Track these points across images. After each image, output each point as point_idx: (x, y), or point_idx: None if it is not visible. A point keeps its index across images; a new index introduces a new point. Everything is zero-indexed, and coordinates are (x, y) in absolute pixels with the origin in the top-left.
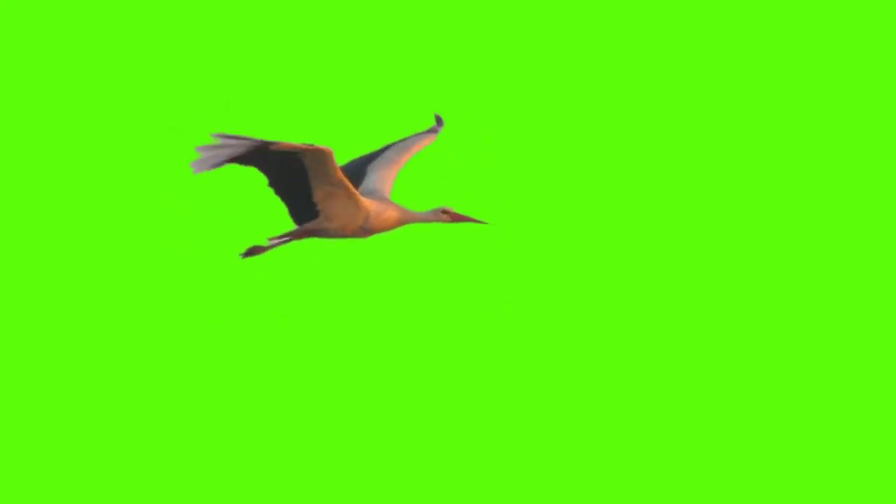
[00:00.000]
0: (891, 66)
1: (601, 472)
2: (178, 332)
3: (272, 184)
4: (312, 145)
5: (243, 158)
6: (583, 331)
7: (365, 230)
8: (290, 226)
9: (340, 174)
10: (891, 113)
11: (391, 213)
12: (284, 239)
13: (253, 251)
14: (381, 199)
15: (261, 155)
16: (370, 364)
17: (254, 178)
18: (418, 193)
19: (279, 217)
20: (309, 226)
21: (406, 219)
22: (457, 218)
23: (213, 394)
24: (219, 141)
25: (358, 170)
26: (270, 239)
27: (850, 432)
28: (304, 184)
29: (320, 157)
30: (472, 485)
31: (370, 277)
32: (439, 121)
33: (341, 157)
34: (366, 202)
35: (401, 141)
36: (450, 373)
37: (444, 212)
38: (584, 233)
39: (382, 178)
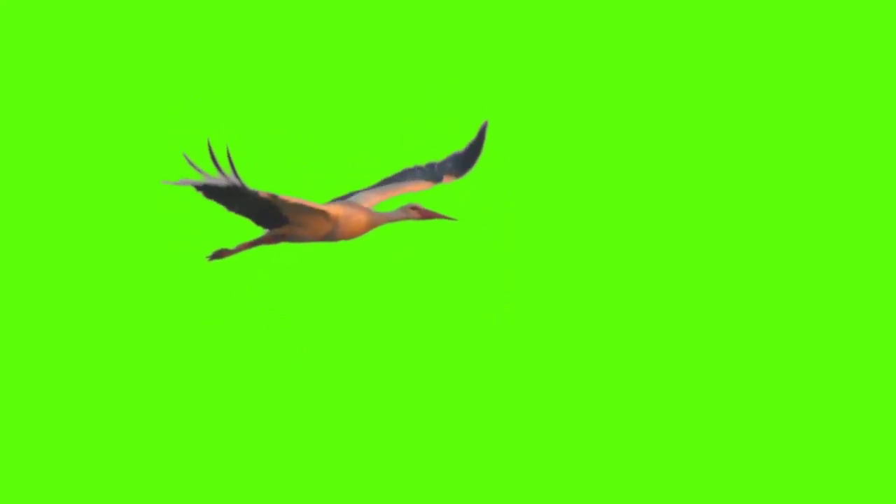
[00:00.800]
0: (891, 66)
1: (599, 470)
2: (150, 337)
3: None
4: (268, 195)
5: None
6: (579, 330)
7: (335, 236)
8: (260, 231)
9: (296, 203)
10: (891, 113)
11: (360, 217)
12: (254, 243)
13: (220, 254)
14: (350, 203)
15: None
16: (356, 365)
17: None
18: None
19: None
20: (279, 231)
21: (376, 221)
22: (426, 214)
23: (196, 397)
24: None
25: (344, 198)
26: (238, 245)
27: (849, 432)
28: (274, 213)
29: (301, 207)
30: (462, 486)
31: (354, 278)
32: (447, 170)
33: (338, 170)
34: (333, 209)
35: (397, 175)
36: (440, 372)
37: (413, 208)
38: (581, 231)
39: (366, 197)
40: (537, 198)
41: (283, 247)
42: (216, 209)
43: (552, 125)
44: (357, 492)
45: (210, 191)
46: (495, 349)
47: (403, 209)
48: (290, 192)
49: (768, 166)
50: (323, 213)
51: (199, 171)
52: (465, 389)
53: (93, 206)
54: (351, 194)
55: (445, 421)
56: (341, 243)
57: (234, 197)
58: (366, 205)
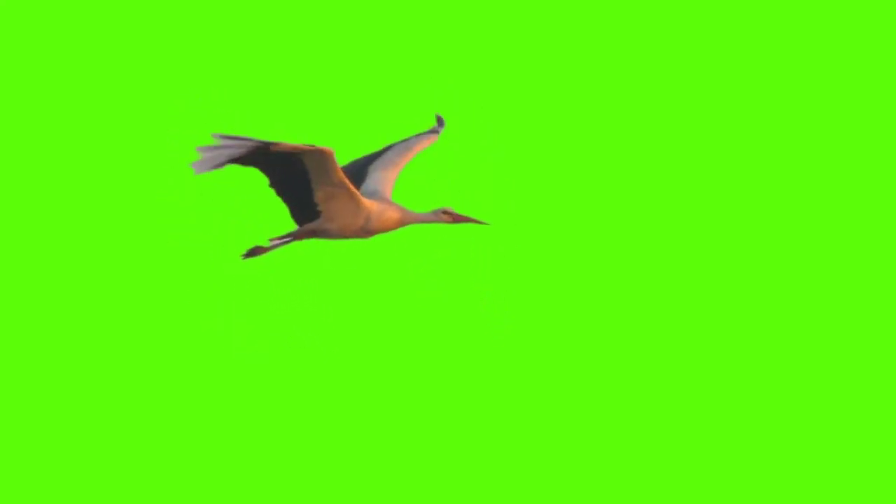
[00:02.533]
0: (891, 66)
1: (602, 472)
2: (181, 334)
3: (273, 184)
4: (313, 146)
5: (244, 159)
6: (584, 332)
7: (366, 231)
8: (292, 226)
9: (342, 175)
10: (891, 113)
11: (392, 214)
12: (286, 239)
13: (254, 252)
14: (382, 199)
15: (261, 156)
16: (372, 365)
17: (255, 179)
18: (420, 194)
19: (280, 218)
20: (310, 226)
21: (407, 219)
22: (458, 219)
23: (217, 394)
24: (219, 141)
25: (359, 171)
26: (271, 240)
27: (849, 432)
28: (305, 185)
29: (321, 157)
30: (476, 485)
31: (371, 279)
32: (440, 121)
33: (342, 157)
34: (367, 203)
35: (402, 141)
36: (451, 374)
37: (445, 213)
38: (586, 234)
39: (383, 178)
40: (542, 199)
41: (315, 245)
42: (248, 207)
43: (554, 126)
44: (376, 487)
45: (247, 157)
46: (499, 351)
47: (436, 213)
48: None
49: (767, 166)
50: (356, 201)
51: (233, 140)
52: (471, 391)
53: (119, 207)
54: (358, 162)
55: (450, 422)
56: (370, 240)
57: (271, 162)
58: (384, 188)
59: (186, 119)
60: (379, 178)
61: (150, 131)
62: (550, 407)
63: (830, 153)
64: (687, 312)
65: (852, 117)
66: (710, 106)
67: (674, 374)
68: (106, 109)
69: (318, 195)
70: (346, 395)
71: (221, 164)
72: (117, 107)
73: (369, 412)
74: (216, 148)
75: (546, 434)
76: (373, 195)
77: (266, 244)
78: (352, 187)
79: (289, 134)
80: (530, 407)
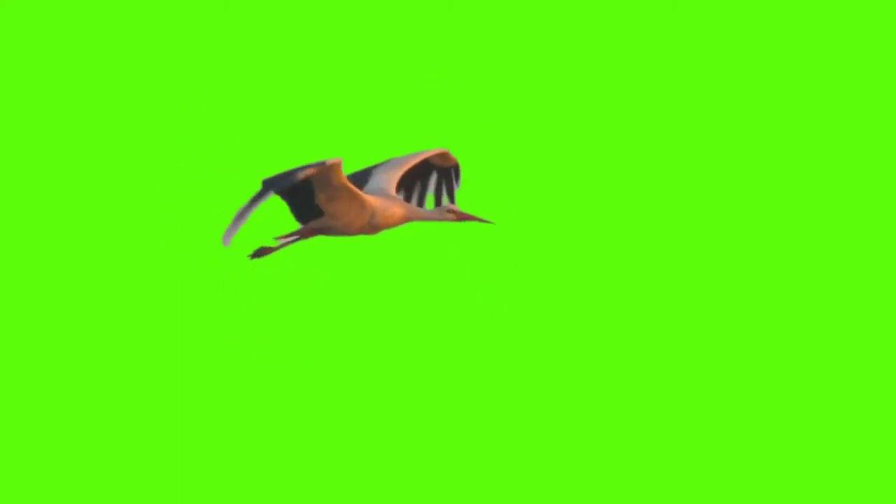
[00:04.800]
0: (891, 66)
1: (605, 473)
2: (188, 334)
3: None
4: (322, 163)
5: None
6: (587, 331)
7: (372, 227)
8: (295, 225)
9: (345, 180)
10: (891, 113)
11: (396, 210)
12: (292, 238)
13: (261, 252)
14: (387, 196)
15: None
16: (377, 362)
17: (257, 180)
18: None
19: (284, 216)
20: (314, 224)
21: (411, 216)
22: (462, 217)
23: (222, 393)
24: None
25: (363, 174)
26: (278, 238)
27: (849, 432)
28: (307, 190)
29: (328, 169)
30: (480, 486)
31: (377, 277)
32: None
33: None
34: (370, 200)
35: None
36: (454, 372)
37: (450, 210)
38: (589, 234)
39: (387, 178)
40: (546, 199)
41: (322, 245)
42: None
43: (556, 125)
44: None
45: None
46: (503, 349)
47: (440, 210)
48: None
49: (767, 167)
50: (359, 200)
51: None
52: (474, 389)
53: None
54: (363, 169)
55: (452, 420)
56: (377, 239)
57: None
58: (388, 186)
59: (191, 123)
60: (383, 177)
61: (156, 134)
62: (552, 406)
63: (830, 153)
64: (688, 313)
65: (852, 117)
66: (710, 106)
67: (673, 374)
68: (111, 112)
69: (321, 197)
70: (352, 394)
71: (245, 220)
72: (123, 109)
73: (375, 410)
74: (237, 220)
75: (548, 433)
76: (377, 192)
77: (273, 244)
78: (353, 188)
79: (289, 134)
80: (531, 405)
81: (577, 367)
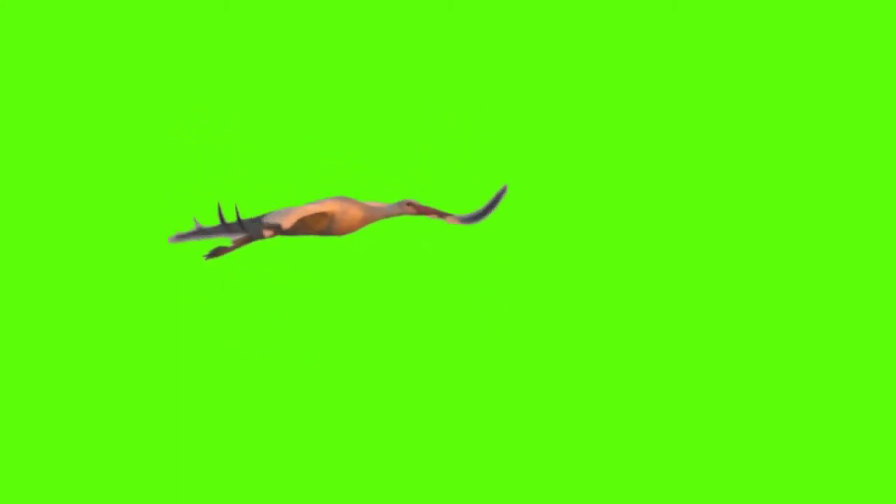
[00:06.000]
0: (891, 67)
1: (600, 471)
2: (145, 336)
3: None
4: (278, 227)
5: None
6: (587, 331)
7: (332, 231)
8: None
9: (306, 215)
10: (891, 113)
11: (355, 212)
12: (249, 239)
13: (217, 252)
14: (343, 199)
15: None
16: (355, 364)
17: (217, 174)
18: (417, 190)
19: (245, 213)
20: (272, 232)
21: (371, 215)
22: (421, 210)
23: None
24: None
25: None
26: (235, 239)
27: (849, 432)
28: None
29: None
30: (477, 485)
31: (352, 275)
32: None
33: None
34: (328, 206)
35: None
36: (440, 372)
37: (409, 204)
38: (581, 232)
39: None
40: (539, 197)
41: (280, 242)
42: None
43: (552, 124)
44: (360, 490)
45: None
46: (493, 350)
47: (399, 204)
48: (283, 194)
49: (768, 167)
50: (319, 214)
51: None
52: (463, 390)
53: (87, 206)
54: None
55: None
56: (356, 238)
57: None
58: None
59: (190, 122)
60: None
61: (148, 132)
62: (550, 406)
63: (830, 153)
64: (688, 313)
65: (852, 117)
66: (710, 106)
67: (674, 374)
68: (102, 111)
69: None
70: (332, 395)
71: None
72: (117, 108)
73: (360, 410)
74: (197, 234)
75: (542, 433)
76: (333, 197)
77: (229, 243)
78: (319, 207)
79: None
80: (531, 404)
81: (577, 367)
